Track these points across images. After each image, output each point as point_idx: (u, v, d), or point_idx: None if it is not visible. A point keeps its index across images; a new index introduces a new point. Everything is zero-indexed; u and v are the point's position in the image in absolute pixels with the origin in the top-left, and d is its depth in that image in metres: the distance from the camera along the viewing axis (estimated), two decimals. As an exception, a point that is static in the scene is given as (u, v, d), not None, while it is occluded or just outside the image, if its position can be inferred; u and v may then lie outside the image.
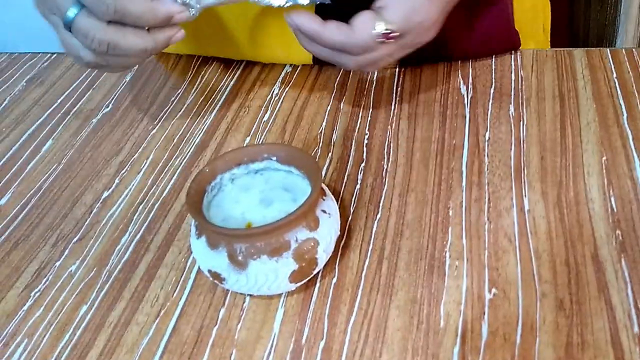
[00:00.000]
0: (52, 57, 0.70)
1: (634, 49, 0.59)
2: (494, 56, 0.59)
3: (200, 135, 0.56)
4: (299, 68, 0.62)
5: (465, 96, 0.55)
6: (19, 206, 0.51)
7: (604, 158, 0.47)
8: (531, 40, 0.65)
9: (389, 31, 0.45)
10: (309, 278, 0.40)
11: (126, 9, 0.42)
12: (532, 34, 0.66)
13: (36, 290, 0.43)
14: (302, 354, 0.37)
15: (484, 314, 0.38)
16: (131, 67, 0.60)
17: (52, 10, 0.45)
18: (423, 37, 0.48)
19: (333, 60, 0.49)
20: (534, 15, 0.66)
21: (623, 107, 0.52)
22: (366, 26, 0.45)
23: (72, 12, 0.43)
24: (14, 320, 0.41)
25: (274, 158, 0.42)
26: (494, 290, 0.39)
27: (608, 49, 0.59)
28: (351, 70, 0.49)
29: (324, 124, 0.55)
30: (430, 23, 0.47)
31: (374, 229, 0.44)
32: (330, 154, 0.51)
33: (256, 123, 0.56)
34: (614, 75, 0.55)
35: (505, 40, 0.60)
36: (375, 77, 0.59)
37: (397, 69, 0.60)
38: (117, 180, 0.52)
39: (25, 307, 0.42)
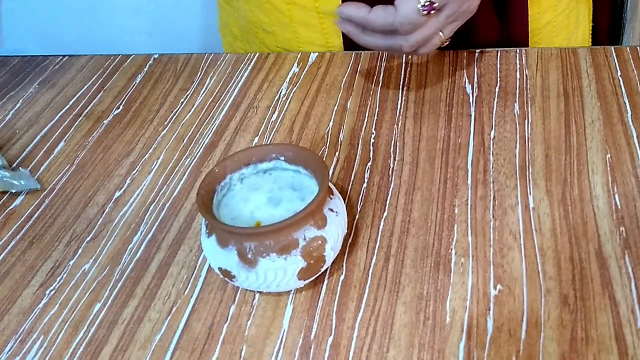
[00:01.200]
0: (64, 60, 0.71)
1: (638, 47, 0.59)
2: (499, 55, 0.60)
3: (210, 135, 0.57)
4: (305, 69, 0.63)
5: (471, 95, 0.56)
6: (33, 206, 0.52)
7: (608, 156, 0.48)
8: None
9: (430, 2, 0.48)
10: (317, 275, 0.40)
11: None
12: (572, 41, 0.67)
13: (51, 288, 0.44)
14: (311, 350, 0.38)
15: (489, 309, 0.38)
16: None
17: None
18: (465, 6, 0.50)
19: (387, 46, 0.51)
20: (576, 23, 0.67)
21: (627, 105, 0.52)
22: (409, 1, 0.48)
23: None
24: (30, 318, 0.42)
25: (282, 158, 0.43)
26: (499, 286, 0.40)
27: (612, 47, 0.59)
28: (407, 54, 0.53)
29: (331, 123, 0.56)
30: None
31: (381, 227, 0.45)
32: (337, 153, 0.52)
33: (264, 123, 0.57)
34: (619, 73, 0.56)
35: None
36: (381, 77, 0.60)
37: (403, 71, 0.61)
38: (128, 181, 0.53)
39: (40, 305, 0.43)
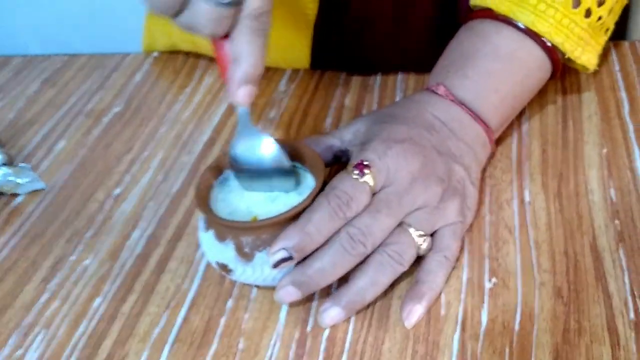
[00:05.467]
0: (65, 59, 0.72)
1: (637, 42, 0.59)
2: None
3: (209, 133, 0.57)
4: (304, 66, 0.63)
5: (468, 91, 0.56)
6: (34, 203, 0.52)
7: (605, 150, 0.48)
8: None
9: (360, 161, 0.41)
10: (313, 269, 0.41)
11: None
12: None
13: (52, 283, 0.45)
14: (307, 342, 0.38)
15: (484, 302, 0.39)
16: None
17: None
18: (431, 191, 0.41)
19: (335, 256, 0.38)
20: None
21: (625, 99, 0.53)
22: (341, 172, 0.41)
23: None
24: (31, 312, 0.43)
25: (279, 153, 0.44)
26: (493, 279, 0.40)
27: (611, 42, 0.59)
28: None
29: (329, 120, 0.56)
30: None
31: (377, 222, 0.45)
32: (334, 149, 0.52)
33: (262, 120, 0.57)
34: (617, 68, 0.56)
35: None
36: (379, 73, 0.61)
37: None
38: (128, 178, 0.53)
39: (42, 300, 0.44)
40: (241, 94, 0.38)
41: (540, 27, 0.45)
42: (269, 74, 0.63)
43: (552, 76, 0.49)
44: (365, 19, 0.56)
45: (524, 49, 0.46)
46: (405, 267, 0.39)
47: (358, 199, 0.38)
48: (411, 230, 0.39)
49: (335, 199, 0.38)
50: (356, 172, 0.39)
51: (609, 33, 0.49)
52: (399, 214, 0.39)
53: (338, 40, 0.58)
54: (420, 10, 0.56)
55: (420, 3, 0.55)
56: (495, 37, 0.46)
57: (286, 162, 0.40)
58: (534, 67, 0.47)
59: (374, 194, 0.39)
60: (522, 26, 0.46)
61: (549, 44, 0.46)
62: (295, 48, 0.59)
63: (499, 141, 0.50)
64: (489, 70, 0.46)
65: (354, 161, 0.40)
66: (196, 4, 0.35)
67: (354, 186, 0.38)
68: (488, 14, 0.47)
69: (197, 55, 0.68)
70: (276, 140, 0.40)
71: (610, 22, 0.49)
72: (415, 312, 0.38)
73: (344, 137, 0.45)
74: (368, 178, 0.39)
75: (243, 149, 0.41)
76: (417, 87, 0.58)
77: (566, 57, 0.47)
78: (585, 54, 0.47)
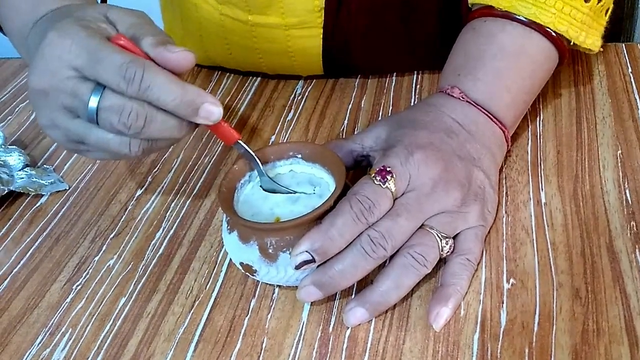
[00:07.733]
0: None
1: (649, 44, 0.60)
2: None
3: (227, 134, 0.58)
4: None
5: (483, 93, 0.57)
6: (58, 204, 0.53)
7: (619, 151, 0.49)
8: None
9: (382, 167, 0.42)
10: (334, 270, 0.42)
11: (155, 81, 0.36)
12: None
13: (77, 283, 0.46)
14: (330, 342, 0.39)
15: (503, 303, 0.39)
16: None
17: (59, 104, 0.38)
18: (453, 197, 0.42)
19: (355, 258, 0.39)
20: None
21: (638, 101, 0.53)
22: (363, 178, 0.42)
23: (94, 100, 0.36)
24: (58, 312, 0.44)
25: (299, 155, 0.44)
26: (512, 280, 0.41)
27: (623, 44, 0.60)
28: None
29: (345, 122, 0.57)
30: None
31: (396, 223, 0.46)
32: (352, 151, 0.53)
33: (280, 122, 0.58)
34: (629, 70, 0.57)
35: None
36: (394, 77, 0.61)
37: (415, 70, 0.61)
38: (149, 179, 0.54)
39: (68, 299, 0.45)
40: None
41: (543, 19, 0.46)
42: (285, 77, 0.64)
43: (560, 63, 0.49)
44: (371, 25, 0.57)
45: (530, 42, 0.47)
46: (428, 268, 0.40)
47: (380, 205, 0.39)
48: (434, 232, 0.40)
49: (357, 204, 0.38)
50: (378, 178, 0.40)
51: (609, 13, 0.50)
52: (419, 218, 0.40)
53: (346, 48, 0.58)
54: (424, 19, 0.56)
55: (424, 12, 0.56)
56: (501, 36, 0.47)
57: (305, 188, 0.43)
58: (542, 58, 0.48)
59: (395, 199, 0.40)
60: (525, 20, 0.46)
61: (554, 34, 0.47)
62: (306, 57, 0.59)
63: (513, 143, 0.51)
64: (499, 70, 0.47)
65: (377, 167, 0.41)
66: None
67: (376, 192, 0.39)
68: (488, 11, 0.48)
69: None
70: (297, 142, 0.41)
71: (610, 2, 0.49)
72: (442, 315, 0.39)
73: (365, 143, 0.46)
74: (390, 184, 0.39)
75: (268, 186, 0.44)
76: (431, 87, 0.59)
77: (572, 43, 0.48)
78: (589, 37, 0.48)
